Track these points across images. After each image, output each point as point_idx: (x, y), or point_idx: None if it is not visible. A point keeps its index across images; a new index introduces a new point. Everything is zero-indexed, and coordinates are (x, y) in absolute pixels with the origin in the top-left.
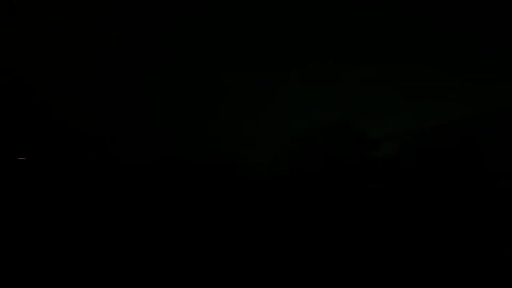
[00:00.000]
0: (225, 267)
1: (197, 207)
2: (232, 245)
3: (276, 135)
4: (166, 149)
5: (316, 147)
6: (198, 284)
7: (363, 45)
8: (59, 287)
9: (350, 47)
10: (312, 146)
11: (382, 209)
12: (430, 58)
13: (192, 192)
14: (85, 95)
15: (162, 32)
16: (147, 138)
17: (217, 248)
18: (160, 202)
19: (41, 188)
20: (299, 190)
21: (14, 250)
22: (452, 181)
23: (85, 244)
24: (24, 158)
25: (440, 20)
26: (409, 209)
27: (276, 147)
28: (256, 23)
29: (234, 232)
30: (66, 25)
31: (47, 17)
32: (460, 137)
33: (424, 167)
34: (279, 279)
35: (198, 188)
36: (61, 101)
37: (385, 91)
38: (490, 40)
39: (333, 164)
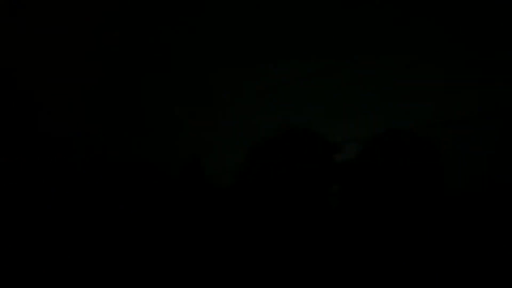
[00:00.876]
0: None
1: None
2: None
3: (235, 138)
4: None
5: (278, 151)
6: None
7: (326, 45)
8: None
9: (312, 46)
10: (273, 150)
11: (347, 212)
12: (396, 58)
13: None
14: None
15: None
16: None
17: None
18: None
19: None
20: (261, 195)
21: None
22: (413, 183)
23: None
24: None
25: (405, 19)
26: (372, 211)
27: (236, 151)
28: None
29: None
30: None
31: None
32: (422, 139)
33: (386, 169)
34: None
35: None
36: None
37: (348, 92)
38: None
39: (296, 168)
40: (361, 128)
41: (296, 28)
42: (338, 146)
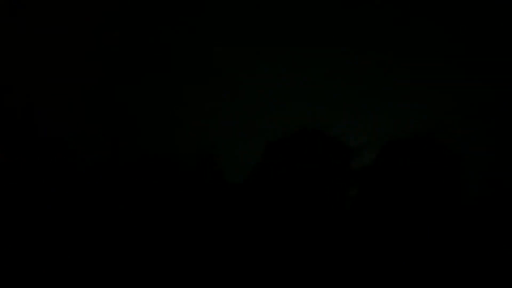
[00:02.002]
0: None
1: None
2: (209, 247)
3: (252, 135)
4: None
5: (295, 150)
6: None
7: (346, 46)
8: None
9: (333, 47)
10: (290, 150)
11: (364, 216)
12: (414, 65)
13: (169, 193)
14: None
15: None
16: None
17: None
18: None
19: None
20: (276, 193)
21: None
22: (431, 188)
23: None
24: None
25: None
26: (391, 216)
27: (252, 148)
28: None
29: (209, 237)
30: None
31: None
32: (438, 144)
33: (403, 174)
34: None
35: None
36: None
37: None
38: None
39: (313, 171)
40: (377, 132)
41: (313, 29)
42: (355, 150)
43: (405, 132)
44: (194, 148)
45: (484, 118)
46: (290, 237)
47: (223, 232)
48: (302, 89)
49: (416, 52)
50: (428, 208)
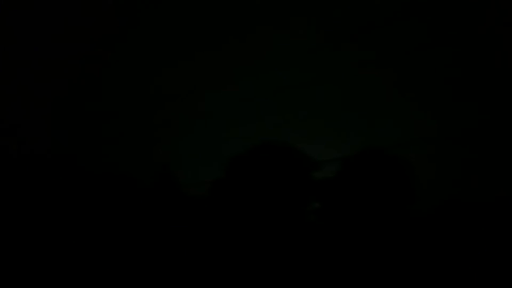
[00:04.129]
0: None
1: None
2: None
3: (212, 150)
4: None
5: (258, 164)
6: None
7: (308, 61)
8: None
9: (297, 57)
10: (253, 163)
11: (326, 228)
12: (378, 81)
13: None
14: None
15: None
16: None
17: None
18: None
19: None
20: (239, 206)
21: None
22: (388, 201)
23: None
24: None
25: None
26: (350, 227)
27: (212, 162)
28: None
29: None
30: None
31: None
32: (397, 159)
33: (364, 188)
34: None
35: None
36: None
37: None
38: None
39: (275, 181)
40: (339, 147)
41: (279, 37)
42: (316, 164)
43: (367, 146)
44: (152, 165)
45: (449, 140)
46: (253, 250)
47: (187, 245)
48: (265, 104)
49: (388, 68)
50: (385, 219)
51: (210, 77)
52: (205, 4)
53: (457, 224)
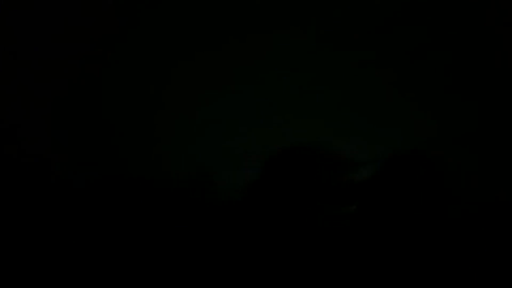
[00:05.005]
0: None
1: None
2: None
3: (246, 152)
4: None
5: (292, 167)
6: None
7: (342, 62)
8: None
9: (330, 61)
10: (287, 166)
11: (363, 232)
12: (412, 82)
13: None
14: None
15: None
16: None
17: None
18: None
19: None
20: (273, 211)
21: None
22: (428, 204)
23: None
24: None
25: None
26: (388, 231)
27: (247, 165)
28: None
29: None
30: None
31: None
32: (439, 160)
33: (402, 191)
34: None
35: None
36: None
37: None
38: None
39: (310, 186)
40: (375, 147)
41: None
42: (353, 165)
43: (405, 148)
44: (184, 170)
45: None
46: (288, 255)
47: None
48: (298, 105)
49: (419, 69)
50: (426, 223)
51: (235, 76)
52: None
53: (497, 226)
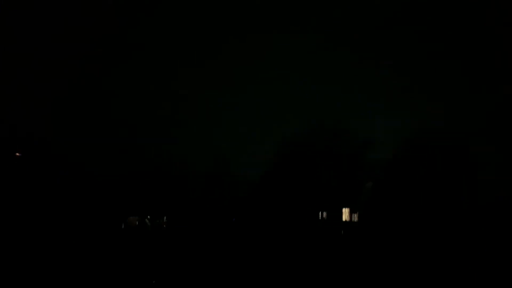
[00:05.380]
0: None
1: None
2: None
3: (267, 135)
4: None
5: (310, 146)
6: None
7: (360, 46)
8: None
9: (346, 45)
10: (306, 146)
11: (380, 209)
12: (427, 62)
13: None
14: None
15: None
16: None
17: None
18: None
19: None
20: (290, 190)
21: None
22: (444, 182)
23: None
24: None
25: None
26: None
27: (268, 147)
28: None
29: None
30: None
31: None
32: (457, 139)
33: (421, 169)
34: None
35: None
36: None
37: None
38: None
39: (328, 163)
40: (396, 126)
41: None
42: (369, 142)
43: (422, 129)
44: (205, 153)
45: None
46: (305, 232)
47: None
48: (318, 85)
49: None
50: (441, 205)
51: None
52: None
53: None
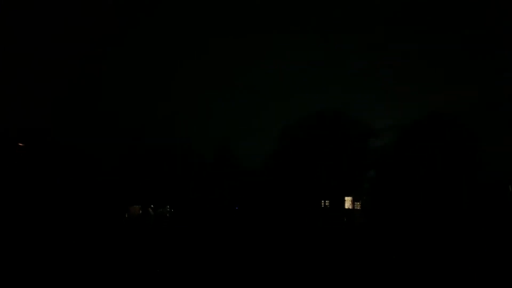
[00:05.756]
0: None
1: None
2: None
3: (270, 123)
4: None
5: (311, 133)
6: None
7: (365, 34)
8: None
9: (351, 34)
10: (306, 133)
11: (381, 198)
12: (430, 51)
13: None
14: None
15: None
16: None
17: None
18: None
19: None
20: (293, 177)
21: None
22: (447, 169)
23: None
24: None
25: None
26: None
27: (271, 135)
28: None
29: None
30: None
31: None
32: (460, 125)
33: (423, 156)
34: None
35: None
36: None
37: (383, 81)
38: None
39: (332, 152)
40: (397, 114)
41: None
42: (373, 130)
43: (425, 116)
44: (209, 141)
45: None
46: (307, 221)
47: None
48: (322, 72)
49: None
50: (446, 192)
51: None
52: None
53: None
